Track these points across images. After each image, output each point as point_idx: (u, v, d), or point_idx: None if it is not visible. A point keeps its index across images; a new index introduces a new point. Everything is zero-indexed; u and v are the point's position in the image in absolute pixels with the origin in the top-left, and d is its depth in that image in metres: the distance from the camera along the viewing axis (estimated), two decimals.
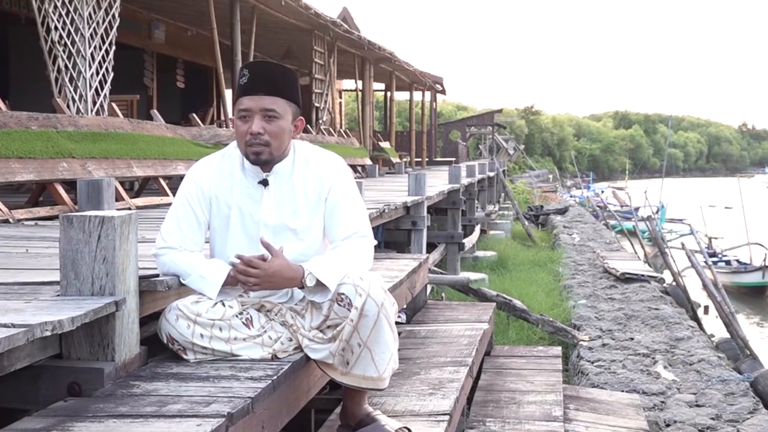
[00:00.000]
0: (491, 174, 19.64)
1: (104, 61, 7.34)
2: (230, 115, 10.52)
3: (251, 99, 2.58)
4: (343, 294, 2.50)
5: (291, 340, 2.60)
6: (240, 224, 2.66)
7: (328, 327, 2.56)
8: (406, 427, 2.67)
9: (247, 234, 2.65)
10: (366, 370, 2.53)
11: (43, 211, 5.62)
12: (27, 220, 5.36)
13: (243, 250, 2.59)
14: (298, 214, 2.67)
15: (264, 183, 2.65)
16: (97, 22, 7.24)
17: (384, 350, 2.53)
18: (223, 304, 2.56)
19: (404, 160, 20.21)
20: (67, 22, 6.85)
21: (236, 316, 2.55)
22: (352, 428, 2.70)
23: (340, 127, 18.70)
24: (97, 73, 7.23)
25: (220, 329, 2.51)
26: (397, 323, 2.87)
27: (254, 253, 2.56)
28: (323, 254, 2.68)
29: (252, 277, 2.51)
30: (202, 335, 2.49)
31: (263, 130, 2.57)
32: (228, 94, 11.91)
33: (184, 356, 2.52)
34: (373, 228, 7.25)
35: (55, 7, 6.71)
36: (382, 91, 26.03)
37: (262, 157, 2.60)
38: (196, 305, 2.53)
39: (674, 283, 11.30)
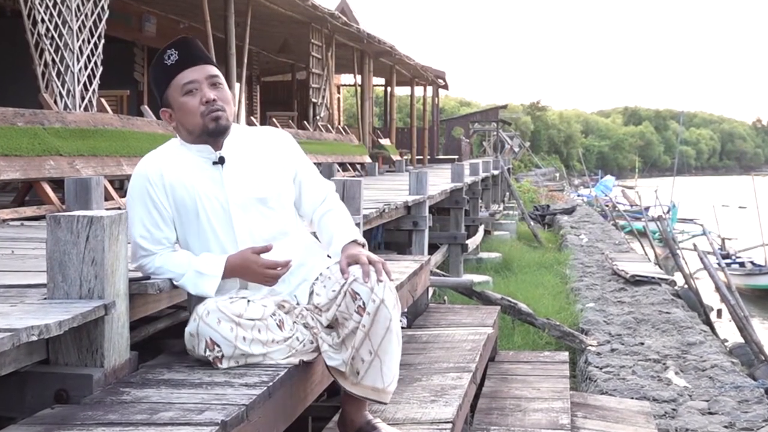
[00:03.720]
0: (495, 172, 19.65)
1: (93, 54, 7.34)
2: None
3: (193, 71, 2.59)
4: (358, 294, 2.50)
5: (312, 342, 2.61)
6: (208, 210, 2.61)
7: (335, 324, 2.57)
8: None
9: (217, 219, 2.62)
10: (375, 381, 2.56)
11: (29, 211, 5.62)
12: (12, 220, 5.36)
13: (217, 238, 2.60)
14: (262, 183, 2.66)
15: (220, 161, 2.64)
16: (86, 15, 7.24)
17: (392, 361, 2.58)
18: (250, 302, 2.54)
19: (405, 157, 20.21)
20: (55, 14, 6.85)
21: (271, 316, 2.54)
22: None
23: (339, 124, 18.69)
24: (86, 68, 7.23)
25: (260, 331, 2.49)
26: None
27: (230, 238, 2.60)
28: (302, 230, 2.77)
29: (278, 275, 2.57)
30: (244, 338, 2.46)
31: (216, 97, 2.59)
32: None
33: (219, 365, 2.45)
34: (372, 228, 7.19)
35: None
36: (382, 86, 26.05)
37: (222, 123, 2.60)
38: (233, 305, 2.48)
39: (686, 286, 11.31)
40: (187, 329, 2.52)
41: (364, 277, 2.50)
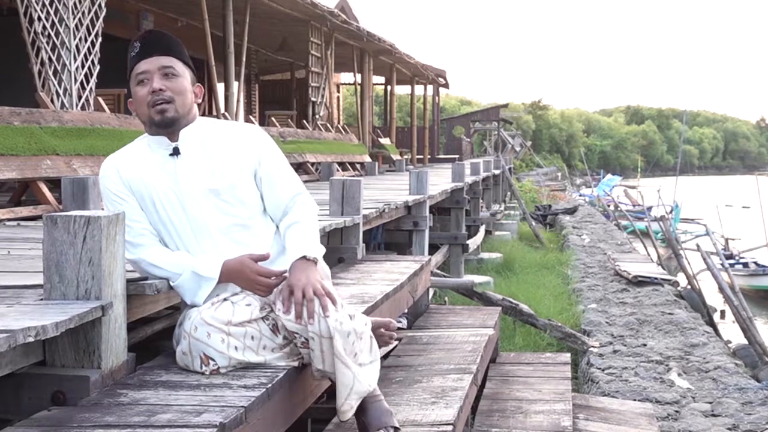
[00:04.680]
0: (496, 172, 19.64)
1: (90, 53, 7.33)
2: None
3: (147, 62, 2.63)
4: (296, 333, 2.52)
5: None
6: (164, 202, 2.64)
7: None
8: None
9: (174, 210, 2.64)
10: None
11: (25, 211, 5.62)
12: (9, 220, 5.36)
13: (176, 230, 2.62)
14: (216, 174, 2.67)
15: (175, 152, 2.66)
16: (83, 12, 7.23)
17: (346, 378, 2.54)
18: (235, 305, 2.55)
19: (405, 157, 20.21)
20: (51, 12, 6.85)
21: (263, 319, 2.54)
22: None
23: (338, 123, 18.69)
24: (83, 66, 7.23)
25: (252, 338, 2.49)
26: (398, 329, 2.88)
27: (185, 230, 2.62)
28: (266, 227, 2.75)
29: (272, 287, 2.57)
30: (236, 347, 2.46)
31: (164, 87, 2.62)
32: (220, 88, 11.94)
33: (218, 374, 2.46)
34: (372, 228, 7.19)
35: None
36: (382, 84, 26.05)
37: (168, 115, 2.62)
38: (218, 312, 2.48)
39: (689, 287, 11.30)
40: (179, 348, 2.52)
41: (294, 317, 2.49)
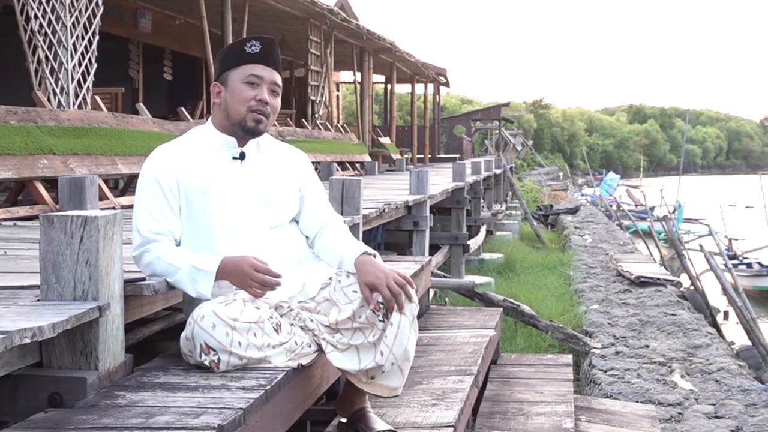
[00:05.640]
0: (498, 171, 19.64)
1: (87, 51, 7.34)
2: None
3: (266, 69, 2.74)
4: (382, 304, 2.61)
5: (310, 346, 2.64)
6: (219, 201, 2.69)
7: (354, 329, 2.63)
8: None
9: (224, 212, 2.69)
10: (391, 381, 2.69)
11: (22, 211, 5.62)
12: (5, 220, 5.37)
13: (228, 229, 2.67)
14: (274, 187, 2.78)
15: (241, 157, 2.75)
16: (80, 11, 7.24)
17: (410, 363, 2.71)
18: (246, 304, 2.56)
19: (405, 156, 20.22)
20: (48, 10, 6.85)
21: (268, 319, 2.56)
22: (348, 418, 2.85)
23: (338, 122, 18.70)
24: (80, 65, 7.23)
25: (255, 335, 2.50)
26: None
27: (228, 232, 2.67)
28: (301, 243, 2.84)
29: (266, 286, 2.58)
30: (240, 343, 2.47)
31: (269, 101, 2.73)
32: None
33: (216, 369, 2.46)
34: (372, 229, 7.20)
35: None
36: (382, 83, 26.05)
37: (261, 127, 2.74)
38: (228, 308, 2.50)
39: (692, 288, 11.31)
40: (183, 334, 2.53)
41: (388, 312, 2.61)
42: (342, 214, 5.16)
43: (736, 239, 18.25)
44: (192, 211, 2.68)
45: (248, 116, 2.70)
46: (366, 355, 2.62)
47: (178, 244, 2.68)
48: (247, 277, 2.55)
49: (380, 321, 2.61)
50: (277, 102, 2.77)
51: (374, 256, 2.73)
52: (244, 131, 2.72)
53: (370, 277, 2.63)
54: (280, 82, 2.78)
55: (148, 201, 2.66)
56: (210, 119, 2.83)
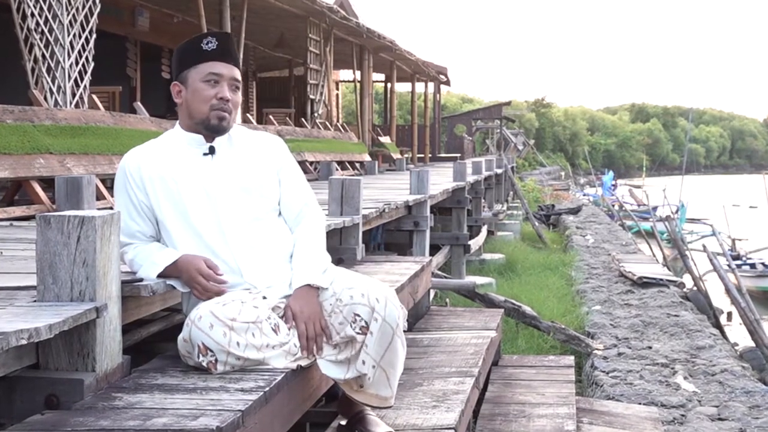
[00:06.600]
0: (499, 171, 19.64)
1: (84, 49, 7.34)
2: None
3: (224, 66, 2.76)
4: (359, 315, 2.63)
5: None
6: (192, 198, 2.72)
7: (333, 346, 2.68)
8: None
9: (201, 206, 2.72)
10: (380, 390, 2.72)
11: (18, 211, 5.62)
12: (1, 220, 5.36)
13: (211, 222, 2.71)
14: (249, 173, 2.80)
15: (211, 151, 2.78)
16: (77, 9, 7.24)
17: (397, 370, 2.74)
18: (244, 304, 2.58)
19: (406, 156, 20.21)
20: (45, 8, 6.85)
21: (266, 320, 2.57)
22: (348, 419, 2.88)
23: (337, 121, 18.70)
24: (77, 63, 7.23)
25: (253, 335, 2.51)
26: None
27: (211, 225, 2.69)
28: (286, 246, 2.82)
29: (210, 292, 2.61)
30: (238, 343, 2.48)
31: (230, 98, 2.76)
32: None
33: (214, 370, 2.47)
34: (372, 229, 7.17)
35: None
36: (382, 82, 26.06)
37: (224, 124, 2.77)
38: (226, 308, 2.51)
39: (695, 288, 11.30)
40: (181, 335, 2.54)
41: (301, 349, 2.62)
42: (342, 214, 5.16)
43: (740, 239, 18.25)
44: (168, 208, 2.73)
45: (211, 114, 2.74)
46: (352, 366, 2.67)
47: (159, 240, 2.76)
48: (192, 280, 2.62)
49: (358, 334, 2.64)
50: (238, 97, 2.80)
51: (317, 288, 2.72)
52: (208, 129, 2.76)
53: (295, 308, 2.65)
54: (239, 77, 2.81)
55: (120, 204, 2.75)
56: (171, 130, 2.87)
